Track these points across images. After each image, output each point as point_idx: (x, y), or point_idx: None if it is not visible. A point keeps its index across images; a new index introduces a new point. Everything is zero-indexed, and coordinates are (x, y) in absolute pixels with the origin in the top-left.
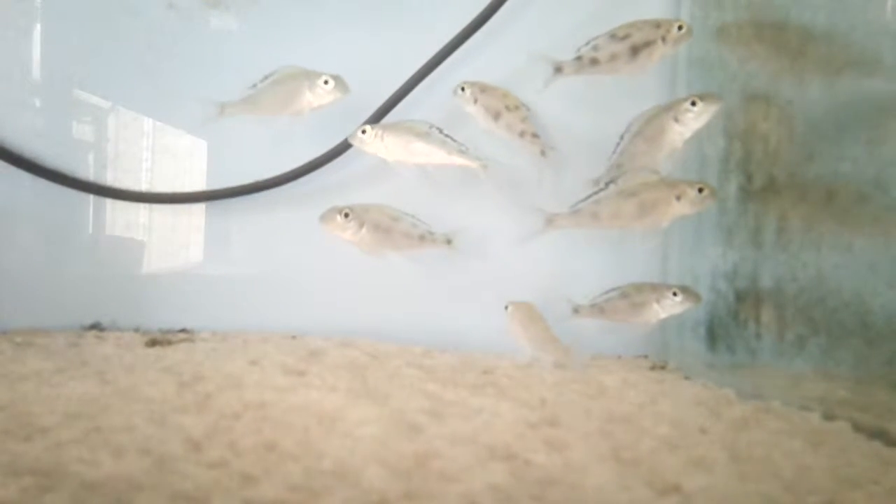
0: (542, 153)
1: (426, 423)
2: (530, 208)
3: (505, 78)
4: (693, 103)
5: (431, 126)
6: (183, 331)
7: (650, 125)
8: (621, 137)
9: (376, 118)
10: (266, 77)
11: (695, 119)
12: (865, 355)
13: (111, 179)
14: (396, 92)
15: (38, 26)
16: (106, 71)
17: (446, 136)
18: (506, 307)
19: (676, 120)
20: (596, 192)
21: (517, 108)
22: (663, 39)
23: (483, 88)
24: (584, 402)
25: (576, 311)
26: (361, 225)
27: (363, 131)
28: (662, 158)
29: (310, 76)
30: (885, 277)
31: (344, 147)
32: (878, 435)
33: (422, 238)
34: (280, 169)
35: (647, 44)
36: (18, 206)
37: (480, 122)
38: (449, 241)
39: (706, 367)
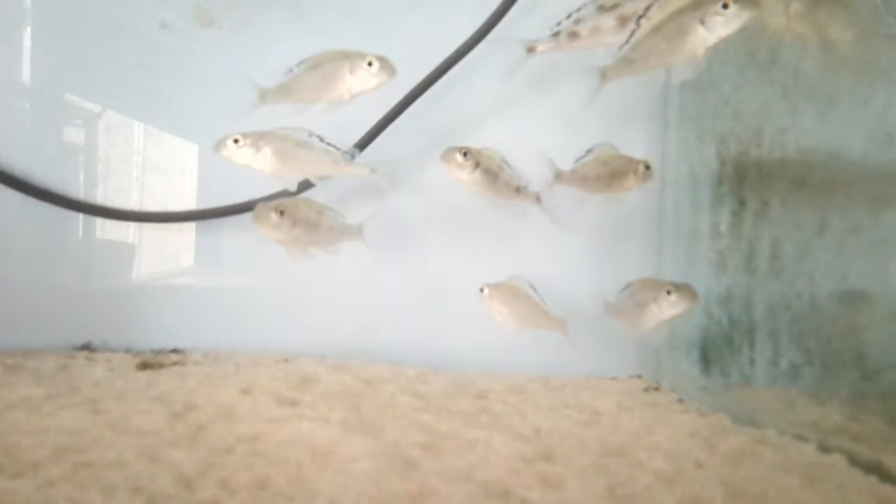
0: (538, 200)
1: (420, 459)
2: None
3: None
4: (725, 6)
5: (311, 134)
6: (174, 351)
7: (672, 23)
8: (637, 24)
9: (370, 137)
10: (302, 61)
11: (724, 24)
12: (860, 388)
13: (101, 198)
14: (390, 111)
15: (30, 44)
16: (98, 89)
17: (329, 144)
18: (481, 289)
19: (702, 23)
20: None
21: (505, 163)
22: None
23: (478, 151)
24: (579, 432)
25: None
26: (295, 223)
27: (235, 140)
28: (679, 63)
29: (351, 58)
30: (880, 310)
31: None
32: (874, 469)
33: (342, 231)
34: (271, 188)
35: (638, 14)
36: (7, 223)
37: (475, 188)
38: (360, 231)
39: (700, 389)
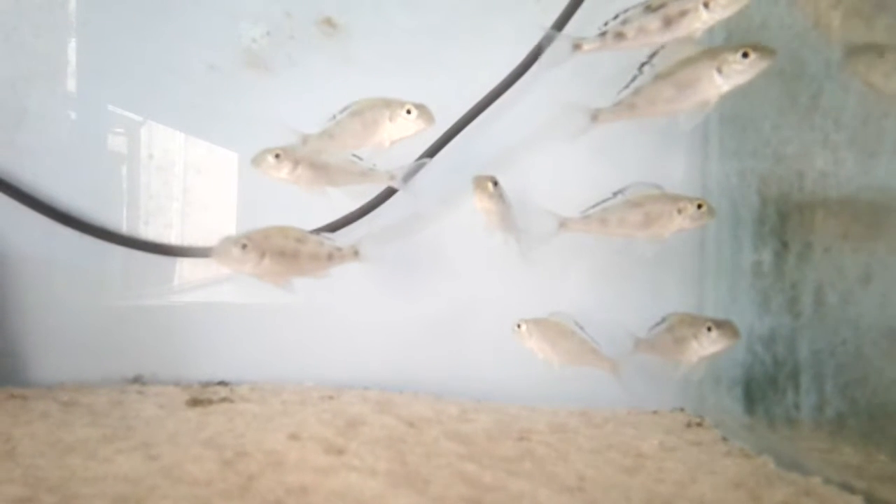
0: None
1: None
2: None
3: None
4: (745, 55)
5: None
6: (221, 383)
7: (683, 70)
8: (640, 70)
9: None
10: (345, 108)
11: (742, 73)
12: None
13: (150, 234)
14: (433, 145)
15: (79, 84)
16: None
17: (353, 155)
18: (518, 325)
19: (719, 70)
20: (604, 201)
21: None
22: (706, 6)
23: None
24: (623, 480)
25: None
26: (263, 254)
27: (276, 155)
28: (689, 110)
29: (391, 105)
30: None
31: (384, 197)
32: None
33: (330, 257)
34: (315, 222)
35: (684, 13)
36: (57, 257)
37: (494, 219)
38: (356, 253)
39: (743, 427)
